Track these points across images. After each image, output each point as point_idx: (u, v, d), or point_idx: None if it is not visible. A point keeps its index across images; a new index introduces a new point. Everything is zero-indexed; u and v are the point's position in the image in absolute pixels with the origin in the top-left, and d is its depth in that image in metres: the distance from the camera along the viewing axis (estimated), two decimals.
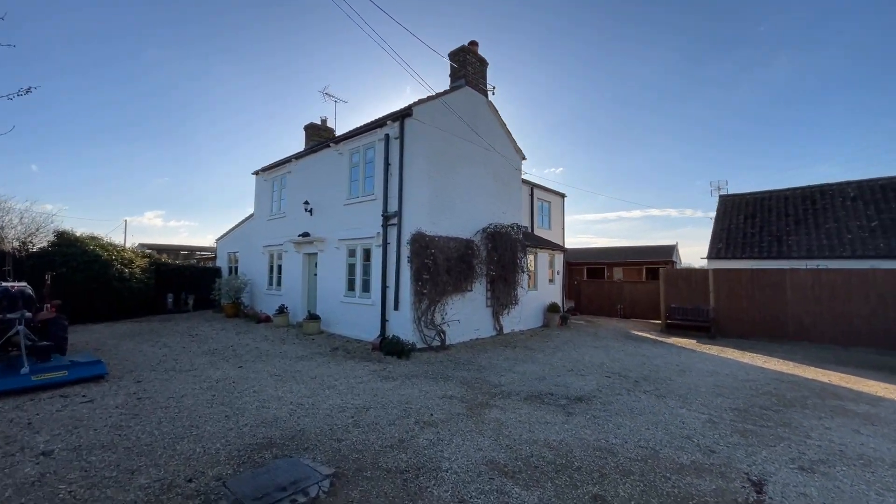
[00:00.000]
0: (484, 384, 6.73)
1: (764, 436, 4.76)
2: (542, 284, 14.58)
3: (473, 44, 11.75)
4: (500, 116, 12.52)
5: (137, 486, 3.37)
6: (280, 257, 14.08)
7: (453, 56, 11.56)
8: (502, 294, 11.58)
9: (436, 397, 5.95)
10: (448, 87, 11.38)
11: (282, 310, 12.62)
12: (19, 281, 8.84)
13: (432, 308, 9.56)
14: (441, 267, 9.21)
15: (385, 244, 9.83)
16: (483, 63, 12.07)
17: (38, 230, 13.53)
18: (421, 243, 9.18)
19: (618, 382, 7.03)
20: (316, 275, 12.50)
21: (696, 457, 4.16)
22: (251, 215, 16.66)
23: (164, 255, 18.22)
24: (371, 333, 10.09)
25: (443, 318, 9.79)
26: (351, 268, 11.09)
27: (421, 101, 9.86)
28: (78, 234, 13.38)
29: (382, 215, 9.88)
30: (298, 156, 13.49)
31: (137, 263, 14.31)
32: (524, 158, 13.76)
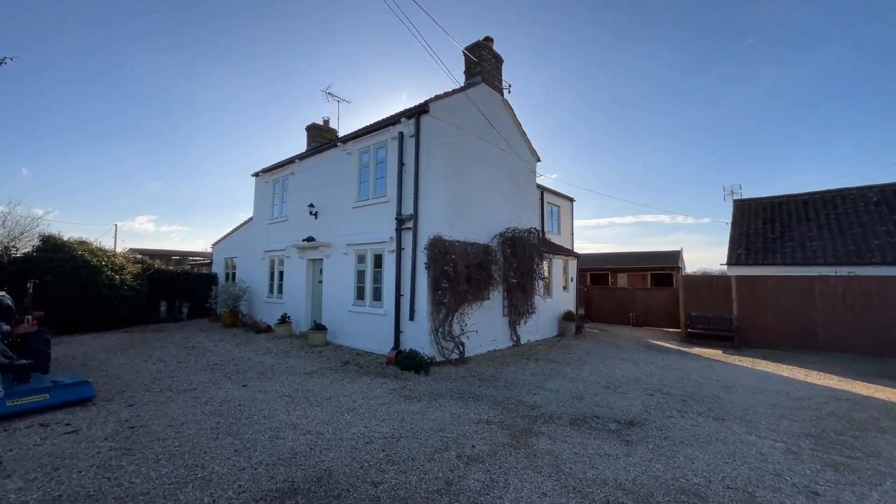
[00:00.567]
0: (519, 405, 6.05)
1: (860, 470, 4.13)
2: (557, 292, 13.97)
3: (489, 39, 11.20)
4: (515, 115, 11.96)
5: None
6: (282, 263, 13.33)
7: (469, 51, 10.99)
8: (520, 303, 10.93)
9: (470, 422, 5.27)
10: (463, 84, 10.79)
11: (284, 319, 11.86)
12: None
13: (450, 318, 8.88)
14: (461, 274, 8.55)
15: (399, 249, 9.16)
16: (499, 60, 11.52)
17: (22, 234, 12.65)
18: (440, 248, 8.52)
19: (664, 402, 6.39)
20: (321, 282, 11.77)
21: (801, 501, 3.52)
22: (250, 219, 15.89)
23: (158, 261, 17.36)
24: (383, 345, 9.38)
25: (462, 329, 9.11)
26: (360, 275, 10.38)
27: (437, 98, 9.26)
28: (65, 239, 12.54)
29: (396, 218, 9.22)
30: (302, 156, 12.80)
31: (129, 269, 13.48)
32: (539, 160, 13.20)
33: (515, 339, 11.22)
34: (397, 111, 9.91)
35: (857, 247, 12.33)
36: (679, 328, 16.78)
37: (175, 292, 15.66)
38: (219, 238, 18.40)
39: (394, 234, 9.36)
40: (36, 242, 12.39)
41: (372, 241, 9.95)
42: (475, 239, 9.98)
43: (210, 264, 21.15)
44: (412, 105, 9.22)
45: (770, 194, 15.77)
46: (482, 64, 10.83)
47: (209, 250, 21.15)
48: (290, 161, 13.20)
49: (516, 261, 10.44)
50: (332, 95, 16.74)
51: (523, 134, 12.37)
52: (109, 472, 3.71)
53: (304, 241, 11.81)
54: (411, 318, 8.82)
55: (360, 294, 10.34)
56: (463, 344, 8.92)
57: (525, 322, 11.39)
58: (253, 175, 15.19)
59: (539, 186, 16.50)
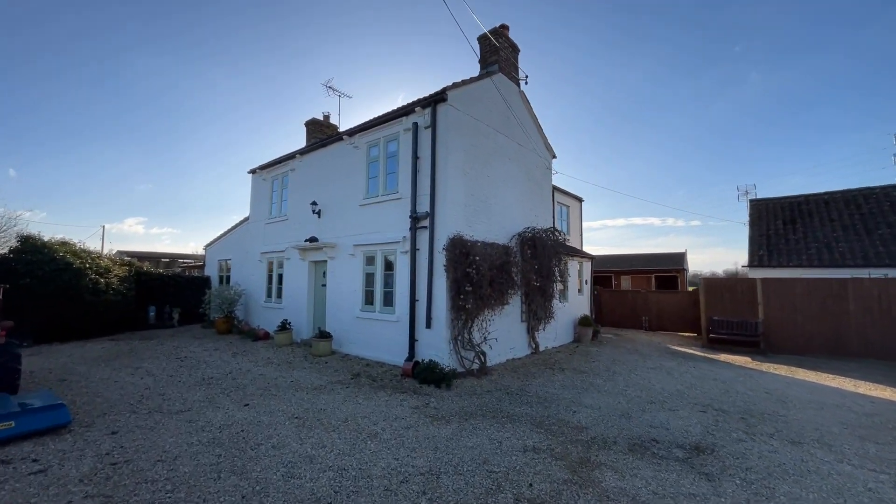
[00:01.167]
0: (563, 426, 5.31)
1: None
2: (572, 295, 13.28)
3: (504, 27, 10.51)
4: (531, 108, 11.28)
5: None
6: (281, 265, 12.47)
7: (484, 39, 10.29)
8: (539, 308, 10.21)
9: (515, 450, 4.51)
10: (478, 74, 10.07)
11: (284, 326, 11.00)
12: None
13: (469, 325, 8.12)
14: (485, 278, 7.80)
15: (414, 250, 8.39)
16: (515, 49, 10.84)
17: None
18: (461, 249, 7.77)
19: (722, 420, 5.69)
20: (324, 285, 10.95)
21: None
22: (246, 219, 15.01)
23: (146, 263, 16.38)
24: (396, 355, 8.59)
25: (484, 337, 8.35)
26: (369, 278, 9.59)
27: (455, 85, 8.53)
28: (46, 240, 11.57)
29: (411, 217, 8.45)
30: (303, 151, 11.98)
31: (115, 272, 12.53)
32: (554, 157, 12.53)
33: (534, 346, 10.49)
34: (408, 101, 9.16)
35: (888, 248, 11.82)
36: (695, 332, 16.23)
37: (165, 296, 14.70)
38: (212, 239, 17.47)
39: (407, 234, 8.59)
40: (14, 243, 11.43)
41: (382, 241, 9.17)
42: (493, 239, 9.26)
43: (202, 267, 20.18)
44: (446, 86, 8.39)
45: (768, 195, 15.30)
46: (499, 52, 10.13)
47: (200, 252, 20.20)
48: (291, 156, 12.37)
49: (537, 263, 9.73)
50: (333, 89, 15.98)
51: (539, 128, 11.69)
52: None
53: (306, 241, 10.98)
54: (428, 325, 8.04)
55: (368, 299, 9.54)
56: (484, 353, 8.16)
57: (544, 328, 10.67)
58: (249, 172, 14.32)
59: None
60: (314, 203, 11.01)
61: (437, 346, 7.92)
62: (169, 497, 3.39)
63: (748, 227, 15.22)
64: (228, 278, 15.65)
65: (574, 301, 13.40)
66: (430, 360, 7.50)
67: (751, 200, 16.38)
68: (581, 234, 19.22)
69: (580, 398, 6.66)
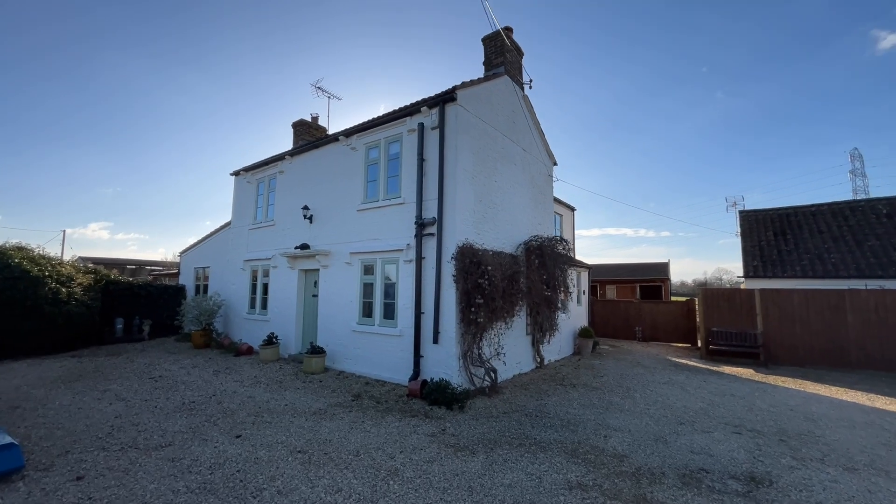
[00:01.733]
0: (600, 455, 4.80)
1: None
2: (572, 306, 12.93)
3: (509, 29, 10.18)
4: (535, 113, 10.95)
5: None
6: (267, 274, 11.60)
7: (489, 41, 9.92)
8: (545, 320, 9.76)
9: (559, 487, 3.97)
10: (483, 76, 9.67)
11: (271, 340, 10.14)
12: None
13: (479, 340, 7.57)
14: (497, 289, 7.29)
15: (419, 259, 7.80)
16: (520, 52, 10.51)
17: None
18: (471, 258, 7.24)
19: (763, 443, 5.32)
20: (316, 296, 10.18)
21: None
22: (227, 224, 14.04)
23: (114, 271, 15.08)
24: (398, 373, 7.93)
25: (497, 352, 7.81)
26: (367, 288, 8.92)
27: (465, 85, 8.07)
28: None
29: (416, 223, 7.87)
30: (294, 152, 11.24)
31: (79, 281, 11.35)
32: (555, 164, 12.24)
33: (539, 360, 10.02)
34: (414, 100, 8.63)
35: (879, 259, 12.02)
36: (689, 343, 16.19)
37: (135, 307, 13.49)
38: (188, 245, 16.32)
39: (412, 242, 8.01)
40: None
41: (383, 248, 8.54)
42: (500, 248, 8.78)
43: (177, 275, 18.88)
44: (455, 85, 7.94)
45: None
46: (504, 55, 9.77)
47: (173, 259, 18.91)
48: (280, 158, 11.60)
49: (545, 273, 9.30)
50: (322, 90, 15.33)
51: (542, 134, 11.38)
52: None
53: (296, 248, 10.21)
54: (435, 340, 7.44)
55: (366, 311, 8.85)
56: (495, 370, 7.61)
57: (549, 341, 10.22)
58: (232, 174, 13.41)
59: None
60: (306, 207, 10.28)
61: (445, 363, 7.32)
62: None
63: (740, 238, 15.34)
64: (206, 287, 14.57)
65: (573, 312, 13.06)
66: (441, 379, 6.88)
67: (740, 212, 16.58)
68: (574, 243, 19.06)
69: (605, 419, 6.19)
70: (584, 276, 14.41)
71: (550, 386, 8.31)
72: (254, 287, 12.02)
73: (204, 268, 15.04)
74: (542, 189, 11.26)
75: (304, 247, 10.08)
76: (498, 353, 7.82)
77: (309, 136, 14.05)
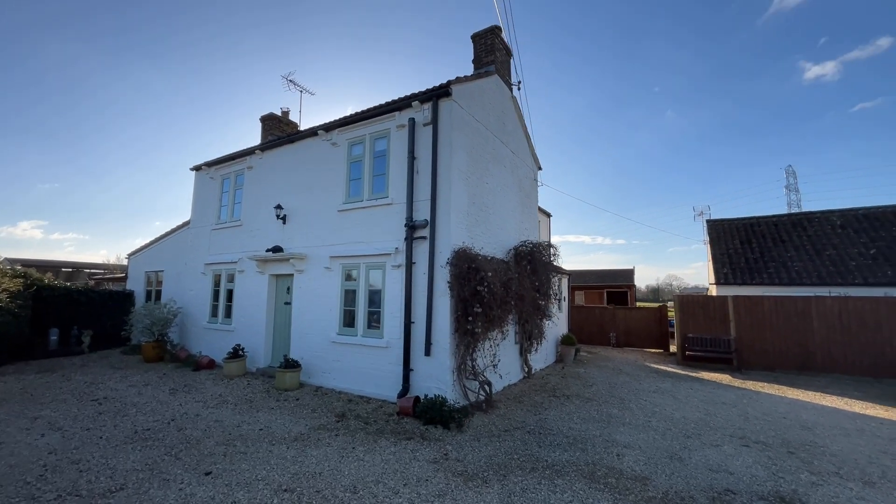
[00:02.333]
0: (620, 478, 4.45)
1: None
2: (553, 313, 12.74)
3: (498, 28, 9.89)
4: (522, 116, 10.70)
5: None
6: (232, 279, 10.56)
7: (478, 38, 9.57)
8: (535, 328, 9.45)
9: None
10: (473, 73, 9.28)
11: (237, 352, 9.15)
12: None
13: (472, 351, 7.09)
14: (496, 297, 6.84)
15: (410, 264, 7.23)
16: (509, 53, 10.24)
17: None
18: (469, 264, 6.76)
19: (775, 457, 5.18)
20: (289, 303, 9.32)
21: None
22: (185, 223, 12.77)
23: (49, 274, 13.32)
24: (384, 388, 7.30)
25: (493, 363, 7.36)
26: (349, 295, 8.21)
27: (459, 80, 7.63)
28: None
29: (407, 226, 7.30)
30: (265, 146, 10.33)
31: (5, 286, 9.82)
32: (540, 168, 12.06)
33: (527, 370, 9.69)
34: (404, 94, 8.08)
35: (837, 267, 12.73)
36: (661, 349, 16.50)
37: (73, 316, 11.91)
38: (137, 247, 14.75)
39: (401, 245, 7.43)
40: None
41: (368, 252, 7.89)
42: (492, 253, 8.39)
43: (123, 279, 17.10)
44: (450, 80, 7.46)
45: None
46: (495, 53, 9.44)
47: (116, 261, 17.09)
48: (248, 152, 10.63)
49: (536, 279, 8.99)
50: (294, 84, 14.47)
51: (528, 137, 11.15)
52: None
53: (268, 251, 9.32)
54: (427, 352, 6.88)
55: (348, 320, 8.14)
56: (489, 383, 7.15)
57: (536, 350, 9.91)
58: (193, 169, 12.21)
59: None
60: (279, 207, 9.42)
61: (438, 378, 6.77)
62: None
63: (708, 245, 15.88)
64: (159, 293, 13.16)
65: (555, 319, 12.88)
66: (436, 396, 6.33)
67: (707, 221, 17.22)
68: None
69: (611, 435, 5.88)
70: (564, 282, 14.33)
71: (544, 398, 7.96)
72: (216, 293, 10.91)
73: (157, 272, 13.60)
74: (529, 193, 11.02)
75: (277, 249, 9.22)
76: (494, 365, 7.38)
77: (279, 131, 13.12)
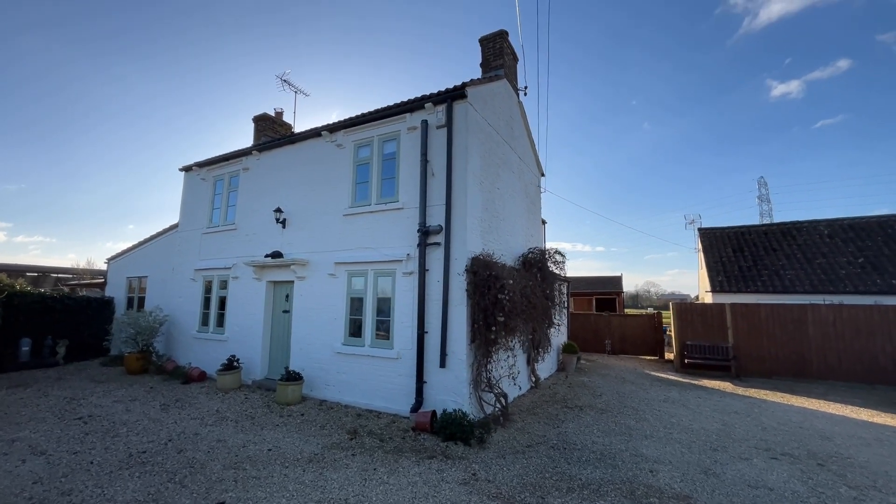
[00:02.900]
0: (661, 497, 4.24)
1: None
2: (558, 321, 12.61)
3: (505, 33, 9.77)
4: (527, 121, 10.59)
5: None
6: (225, 286, 10.01)
7: (487, 42, 9.43)
8: (543, 336, 9.26)
9: None
10: (483, 77, 9.11)
11: (232, 364, 8.64)
12: None
13: (487, 362, 6.82)
14: (517, 305, 6.61)
15: (423, 271, 6.94)
16: (515, 58, 10.13)
17: None
18: (489, 271, 6.51)
19: (807, 470, 5.08)
20: (288, 312, 8.87)
21: None
22: (173, 226, 12.13)
23: (20, 280, 12.42)
24: (394, 401, 6.95)
25: (510, 374, 7.11)
26: (355, 303, 7.84)
27: (474, 82, 7.43)
28: None
29: (420, 231, 7.01)
30: (262, 147, 9.89)
31: None
32: (543, 174, 11.97)
33: (534, 380, 9.47)
34: (413, 97, 7.83)
35: (828, 276, 13.05)
36: (655, 356, 16.57)
37: (47, 324, 11.08)
38: (118, 252, 13.95)
39: (413, 251, 7.13)
40: None
41: (375, 259, 7.56)
42: (503, 260, 8.15)
43: (99, 285, 16.17)
44: (465, 82, 7.27)
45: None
46: (503, 57, 9.31)
47: (86, 266, 16.14)
48: (244, 153, 10.15)
49: (547, 287, 8.82)
50: (289, 84, 14.07)
51: (533, 143, 11.05)
52: None
53: (266, 256, 8.86)
54: (442, 363, 6.57)
55: (354, 329, 7.77)
56: (506, 395, 6.89)
57: (543, 359, 9.73)
58: (182, 169, 11.62)
59: None
60: (278, 210, 8.99)
61: (454, 390, 6.47)
62: None
63: (701, 253, 16.11)
64: (142, 301, 12.43)
65: (559, 327, 12.74)
66: (456, 410, 6.02)
67: (699, 229, 17.49)
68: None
69: (636, 448, 5.70)
70: (564, 289, 14.23)
71: (557, 409, 7.74)
72: (207, 301, 10.33)
73: (140, 277, 12.86)
74: (534, 199, 10.90)
75: (277, 255, 8.78)
76: (512, 376, 7.13)
77: (272, 132, 12.67)
